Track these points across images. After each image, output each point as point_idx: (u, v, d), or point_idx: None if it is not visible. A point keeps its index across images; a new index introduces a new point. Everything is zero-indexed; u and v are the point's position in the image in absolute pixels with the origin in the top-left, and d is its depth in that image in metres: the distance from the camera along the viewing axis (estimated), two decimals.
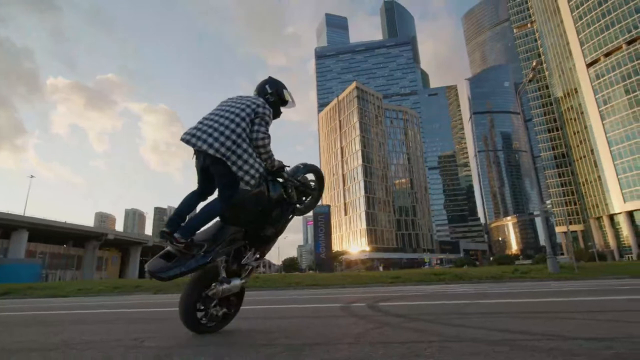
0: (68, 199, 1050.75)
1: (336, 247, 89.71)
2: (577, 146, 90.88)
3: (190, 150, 2.39)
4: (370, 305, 4.25)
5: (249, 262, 2.59)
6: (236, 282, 2.42)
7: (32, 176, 63.11)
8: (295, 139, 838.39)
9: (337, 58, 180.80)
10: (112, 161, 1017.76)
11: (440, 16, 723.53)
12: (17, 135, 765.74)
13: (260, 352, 1.87)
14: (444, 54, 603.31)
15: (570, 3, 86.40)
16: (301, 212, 2.98)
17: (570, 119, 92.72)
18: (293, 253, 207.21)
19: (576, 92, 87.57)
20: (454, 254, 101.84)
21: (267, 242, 2.67)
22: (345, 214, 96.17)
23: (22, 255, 47.73)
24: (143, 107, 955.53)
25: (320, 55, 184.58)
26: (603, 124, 77.81)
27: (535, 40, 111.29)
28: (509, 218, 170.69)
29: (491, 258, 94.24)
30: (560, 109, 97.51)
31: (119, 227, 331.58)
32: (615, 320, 2.80)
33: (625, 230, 75.30)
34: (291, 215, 2.84)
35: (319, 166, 3.56)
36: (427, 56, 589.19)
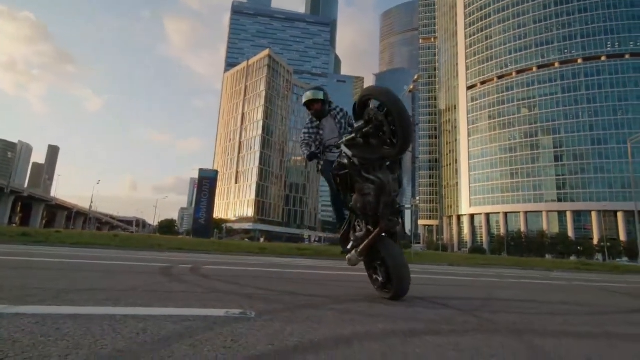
0: None
1: (221, 214, 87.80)
2: (447, 155, 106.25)
3: None
4: (192, 268, 4.42)
5: (356, 235, 2.77)
6: (349, 254, 2.78)
7: None
8: (194, 92, 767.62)
9: (254, 19, 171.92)
10: None
11: (365, 8, 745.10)
12: None
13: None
14: (359, 45, 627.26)
15: (466, 30, 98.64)
16: (391, 155, 2.44)
17: (446, 130, 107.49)
18: (175, 215, 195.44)
19: (455, 108, 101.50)
20: (333, 234, 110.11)
21: (360, 212, 2.64)
22: (236, 182, 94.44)
23: None
24: None
25: (237, 10, 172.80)
26: (468, 140, 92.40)
27: (435, 55, 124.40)
28: None
29: None
30: (441, 120, 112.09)
31: None
32: (345, 286, 3.57)
33: (466, 229, 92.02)
34: (371, 176, 2.49)
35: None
36: (343, 43, 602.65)
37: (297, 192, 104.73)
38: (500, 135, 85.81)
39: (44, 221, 78.09)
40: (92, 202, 62.39)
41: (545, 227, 73.86)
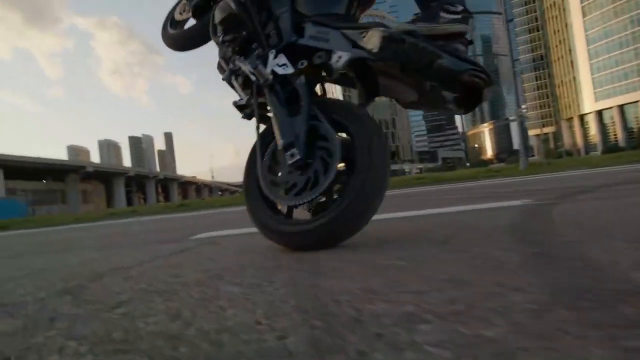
0: (34, 132, 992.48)
1: None
2: (556, 46, 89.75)
3: None
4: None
5: None
6: None
7: None
8: None
9: None
10: (71, 88, 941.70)
11: None
12: None
13: None
14: None
15: None
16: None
17: (552, 16, 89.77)
18: None
19: None
20: (432, 163, 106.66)
21: None
22: None
23: (2, 193, 47.06)
24: (92, 22, 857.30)
25: None
26: (584, 21, 76.09)
27: None
28: (485, 125, 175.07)
29: (467, 164, 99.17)
30: (543, 7, 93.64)
31: (95, 159, 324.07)
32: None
33: (593, 129, 79.26)
34: None
35: None
36: None
37: (386, 127, 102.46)
38: (629, 5, 68.31)
39: (180, 196, 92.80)
40: (212, 174, 71.08)
41: None
